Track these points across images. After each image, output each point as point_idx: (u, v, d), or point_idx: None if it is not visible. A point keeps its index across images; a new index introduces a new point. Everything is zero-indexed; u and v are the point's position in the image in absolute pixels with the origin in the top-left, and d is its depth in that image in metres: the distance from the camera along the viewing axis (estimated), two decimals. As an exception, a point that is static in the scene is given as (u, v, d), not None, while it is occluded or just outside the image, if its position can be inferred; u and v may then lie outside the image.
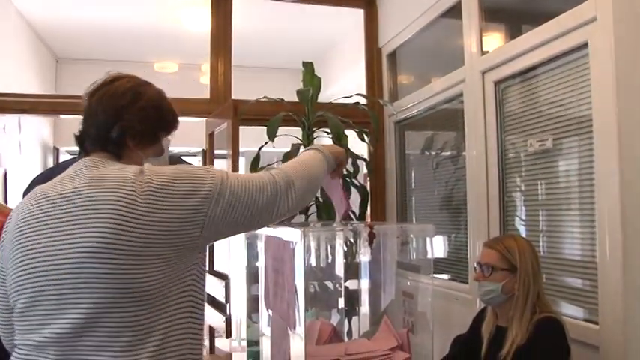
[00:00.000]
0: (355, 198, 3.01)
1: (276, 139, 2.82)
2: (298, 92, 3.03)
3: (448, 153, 3.31)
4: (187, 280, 1.23)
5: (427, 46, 3.61)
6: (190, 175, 1.24)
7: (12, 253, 1.23)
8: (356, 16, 4.23)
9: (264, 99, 3.12)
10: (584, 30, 2.13)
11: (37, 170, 5.56)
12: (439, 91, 3.25)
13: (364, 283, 2.26)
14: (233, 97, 3.80)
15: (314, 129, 3.10)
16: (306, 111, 3.06)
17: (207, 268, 1.35)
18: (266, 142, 2.87)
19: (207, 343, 3.86)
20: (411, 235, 2.17)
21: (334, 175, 1.68)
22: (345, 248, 2.20)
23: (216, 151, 3.97)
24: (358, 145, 3.35)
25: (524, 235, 2.53)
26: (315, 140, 3.14)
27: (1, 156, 4.62)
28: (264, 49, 5.89)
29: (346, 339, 2.16)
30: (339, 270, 2.23)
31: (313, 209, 3.01)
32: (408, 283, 2.16)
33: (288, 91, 3.30)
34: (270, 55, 6.14)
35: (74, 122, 1.44)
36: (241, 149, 3.47)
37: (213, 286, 3.46)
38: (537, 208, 2.51)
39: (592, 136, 2.10)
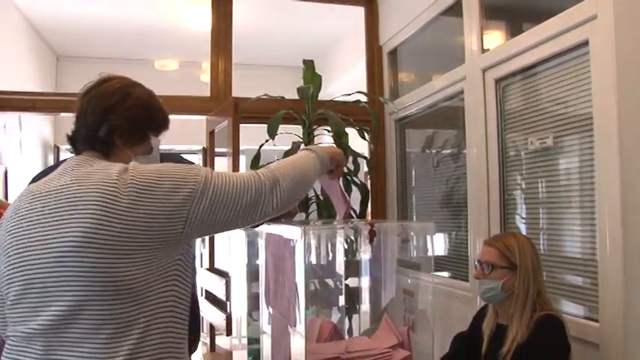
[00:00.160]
0: (356, 196, 3.02)
1: (276, 136, 2.82)
2: (299, 90, 3.03)
3: (449, 151, 3.31)
4: (170, 275, 1.25)
5: (428, 44, 3.61)
6: (174, 172, 1.26)
7: (3, 249, 1.27)
8: (356, 13, 4.22)
9: (265, 97, 3.12)
10: (584, 28, 2.13)
11: (38, 168, 5.56)
12: (440, 88, 3.25)
13: (365, 281, 2.25)
14: (233, 94, 3.80)
15: (314, 127, 3.10)
16: (307, 109, 3.06)
17: (192, 266, 1.35)
18: (267, 140, 2.88)
19: (207, 340, 3.87)
20: (412, 233, 2.16)
21: (333, 176, 1.68)
22: (346, 246, 2.20)
23: (216, 149, 3.97)
24: (359, 143, 3.35)
25: (524, 232, 2.53)
26: (315, 138, 3.14)
27: (2, 154, 4.62)
28: (265, 46, 5.89)
29: (347, 337, 2.16)
30: (340, 268, 2.23)
31: (314, 207, 3.02)
32: (409, 281, 2.16)
33: (288, 88, 3.30)
34: (271, 52, 6.14)
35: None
36: (242, 147, 3.47)
37: (213, 284, 3.47)
38: (538, 206, 2.51)
39: (592, 134, 2.10)
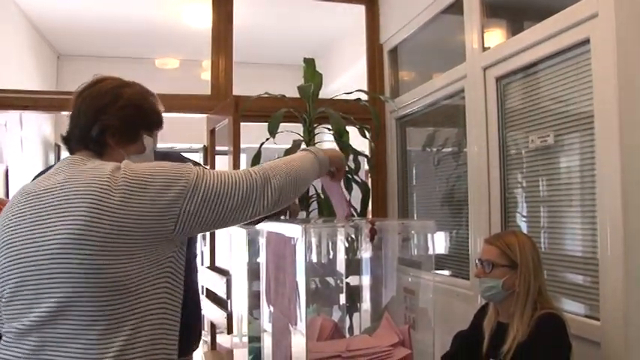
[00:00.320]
0: (356, 194, 3.02)
1: (277, 135, 2.82)
2: (299, 88, 3.02)
3: (449, 149, 3.31)
4: (162, 273, 1.27)
5: (428, 43, 3.60)
6: (166, 170, 1.28)
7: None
8: (357, 12, 4.22)
9: (266, 95, 3.12)
10: (585, 26, 2.12)
11: (39, 167, 5.56)
12: (440, 87, 3.25)
13: (365, 280, 2.25)
14: (234, 93, 3.80)
15: (315, 125, 3.10)
16: (308, 107, 3.06)
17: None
18: (267, 139, 2.87)
19: (208, 339, 3.87)
20: (412, 232, 2.16)
21: (334, 179, 1.68)
22: (347, 244, 2.20)
23: (217, 148, 3.98)
24: (359, 142, 3.35)
25: (525, 231, 2.53)
26: (316, 136, 3.14)
27: (3, 152, 4.62)
28: (266, 45, 5.88)
29: (347, 335, 2.16)
30: (341, 266, 2.23)
31: (315, 205, 3.02)
32: (409, 279, 2.16)
33: (289, 87, 3.30)
34: (272, 51, 6.13)
35: (75, 119, 1.45)
36: (242, 146, 3.47)
37: (214, 282, 3.47)
38: (539, 205, 2.51)
39: (593, 132, 2.10)
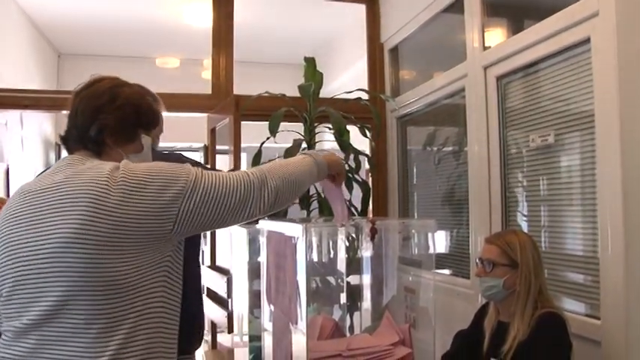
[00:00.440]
0: (357, 193, 3.02)
1: (278, 134, 2.82)
2: (300, 87, 3.02)
3: (450, 148, 3.31)
4: (159, 273, 1.28)
5: (429, 42, 3.60)
6: (165, 171, 1.29)
7: None
8: (358, 11, 4.22)
9: (266, 94, 3.12)
10: (586, 25, 2.12)
11: (39, 166, 5.57)
12: (441, 86, 3.25)
13: (366, 279, 2.25)
14: (235, 92, 3.80)
15: (316, 124, 3.10)
16: (308, 106, 3.06)
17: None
18: (268, 138, 2.87)
19: (209, 338, 3.87)
20: (413, 231, 2.16)
21: (334, 183, 1.69)
22: (347, 244, 2.20)
23: (217, 147, 3.98)
24: (360, 141, 3.35)
25: (526, 230, 2.53)
26: (316, 136, 3.14)
27: (4, 151, 4.63)
28: (266, 44, 5.88)
29: (348, 334, 2.16)
30: (341, 265, 2.23)
31: (315, 205, 3.02)
32: (410, 278, 2.16)
33: (289, 86, 3.30)
34: (272, 50, 6.13)
35: (76, 118, 1.45)
36: (243, 145, 3.47)
37: (215, 282, 3.47)
38: (539, 204, 2.51)
39: (594, 132, 2.10)
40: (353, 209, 2.93)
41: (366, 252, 2.17)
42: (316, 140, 3.16)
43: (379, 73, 4.07)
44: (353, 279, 2.32)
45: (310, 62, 3.12)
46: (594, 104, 2.09)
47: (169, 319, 1.31)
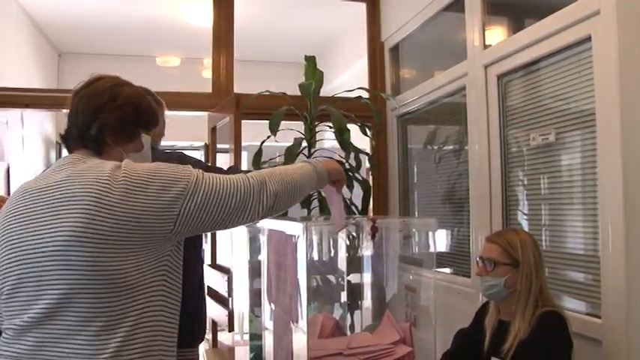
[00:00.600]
0: (357, 192, 3.01)
1: (278, 133, 2.82)
2: (300, 86, 3.02)
3: (450, 147, 3.31)
4: (159, 271, 1.29)
5: (430, 40, 3.60)
6: (166, 171, 1.30)
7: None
8: (358, 9, 4.22)
9: (267, 93, 3.12)
10: (587, 23, 2.12)
11: (40, 165, 5.57)
12: (441, 84, 3.24)
13: (367, 277, 2.26)
14: (235, 91, 3.80)
15: (316, 123, 3.10)
16: (309, 105, 3.05)
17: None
18: (268, 137, 2.87)
19: (209, 337, 3.88)
20: (414, 229, 2.16)
21: (334, 189, 1.70)
22: (348, 242, 2.20)
23: (218, 146, 3.98)
24: (360, 139, 3.34)
25: (526, 229, 2.53)
26: (317, 134, 3.14)
27: (4, 150, 4.63)
28: (267, 43, 5.88)
29: (349, 333, 2.17)
30: (342, 264, 2.23)
31: (316, 203, 3.01)
32: (411, 277, 2.16)
33: (290, 85, 3.30)
34: (273, 49, 6.13)
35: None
36: (244, 143, 3.47)
37: (215, 280, 3.47)
38: (540, 202, 2.51)
39: (595, 130, 2.10)
40: (353, 208, 2.93)
41: (366, 251, 2.17)
42: (317, 139, 3.16)
43: (380, 72, 4.07)
44: (353, 277, 2.32)
45: (311, 61, 3.12)
46: (595, 103, 2.09)
47: (169, 317, 1.33)
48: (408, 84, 3.83)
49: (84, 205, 1.21)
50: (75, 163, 1.33)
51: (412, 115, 3.73)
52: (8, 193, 4.43)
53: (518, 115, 2.62)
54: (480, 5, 2.86)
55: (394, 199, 3.89)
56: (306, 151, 2.98)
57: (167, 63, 6.24)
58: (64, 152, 1.44)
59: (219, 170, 2.22)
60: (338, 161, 2.94)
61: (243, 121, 3.44)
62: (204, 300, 2.38)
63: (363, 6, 4.17)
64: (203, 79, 5.04)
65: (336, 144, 2.97)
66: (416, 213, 3.72)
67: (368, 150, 3.45)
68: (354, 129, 3.09)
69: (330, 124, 2.93)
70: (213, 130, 3.97)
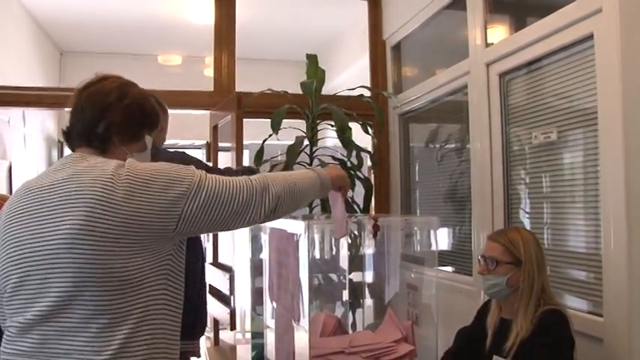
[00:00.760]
0: (359, 190, 3.01)
1: (280, 131, 2.82)
2: (302, 84, 3.02)
3: (452, 145, 3.31)
4: (162, 270, 1.30)
5: (431, 38, 3.60)
6: (170, 171, 1.31)
7: (1, 243, 1.31)
8: (360, 7, 4.22)
9: (268, 91, 3.12)
10: (589, 21, 2.12)
11: (42, 163, 5.57)
12: (443, 83, 3.24)
13: (368, 276, 2.26)
14: (237, 89, 3.80)
15: (318, 121, 3.10)
16: (310, 103, 3.05)
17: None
18: (270, 135, 2.87)
19: (211, 335, 3.88)
20: (415, 228, 2.17)
21: (339, 195, 1.71)
22: (349, 241, 2.20)
23: (220, 144, 3.97)
24: (362, 138, 3.34)
25: (528, 227, 2.52)
26: (319, 133, 3.14)
27: (6, 149, 4.63)
28: (268, 41, 5.88)
29: (350, 331, 2.17)
30: (344, 262, 2.23)
31: (317, 202, 3.02)
32: (412, 275, 2.16)
33: (292, 83, 3.30)
34: (274, 47, 6.13)
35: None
36: (245, 142, 3.47)
37: (217, 279, 3.47)
38: (542, 201, 2.51)
39: (597, 129, 2.09)
40: (355, 206, 2.93)
41: (368, 249, 2.18)
42: (318, 137, 3.16)
43: (381, 70, 4.07)
44: (355, 276, 2.32)
45: (312, 59, 3.11)
46: (597, 101, 2.08)
47: (172, 316, 1.33)
48: (410, 82, 3.83)
49: (87, 203, 1.21)
50: (77, 161, 1.33)
51: (414, 113, 3.73)
52: (10, 192, 4.43)
53: (520, 114, 2.62)
54: (481, 3, 2.85)
55: (396, 198, 3.89)
56: (307, 150, 2.98)
57: (169, 61, 6.24)
58: (66, 151, 1.44)
59: (217, 171, 2.23)
60: (340, 161, 2.96)
61: (244, 120, 3.44)
62: (205, 294, 2.40)
63: (364, 4, 4.16)
64: (205, 78, 5.03)
65: (337, 142, 2.97)
66: (418, 211, 3.72)
67: (370, 148, 3.46)
68: (355, 127, 3.08)
69: (332, 123, 2.93)
70: (214, 129, 3.97)
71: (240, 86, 3.82)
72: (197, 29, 4.96)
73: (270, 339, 2.16)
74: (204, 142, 5.75)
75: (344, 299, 2.29)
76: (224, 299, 3.33)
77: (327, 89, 3.23)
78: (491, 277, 1.97)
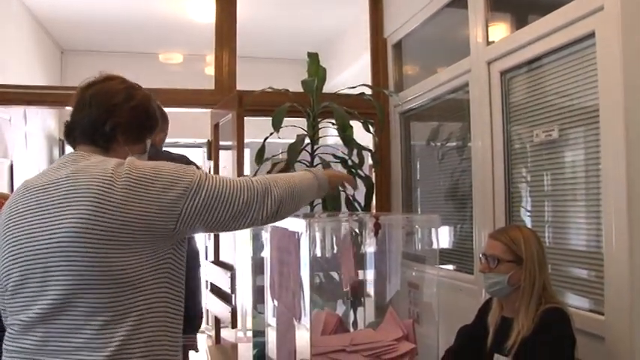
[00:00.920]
0: (360, 189, 3.01)
1: (281, 129, 2.82)
2: (303, 83, 3.02)
3: (453, 143, 3.30)
4: (162, 268, 1.30)
5: (433, 37, 3.59)
6: (169, 170, 1.31)
7: (2, 242, 1.31)
8: (361, 6, 4.21)
9: (269, 90, 3.11)
10: (590, 19, 2.11)
11: (43, 162, 5.58)
12: (444, 81, 3.24)
13: (369, 274, 2.26)
14: (238, 87, 3.80)
15: (319, 120, 3.09)
16: (311, 102, 3.05)
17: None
18: (271, 133, 2.87)
19: (212, 333, 3.88)
20: (417, 226, 2.16)
21: (349, 248, 1.72)
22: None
23: (221, 143, 3.97)
24: (363, 136, 3.34)
25: (529, 225, 2.52)
26: (320, 131, 3.14)
27: (8, 148, 4.63)
28: (269, 39, 5.88)
29: (352, 329, 2.17)
30: (345, 261, 2.23)
31: (318, 200, 3.02)
32: (414, 273, 2.16)
33: (293, 81, 3.29)
34: (275, 45, 6.12)
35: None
36: (246, 140, 3.47)
37: (219, 277, 3.48)
38: (543, 199, 2.50)
39: (598, 127, 2.09)
40: (356, 205, 2.93)
41: (369, 247, 2.17)
42: (319, 135, 3.16)
43: (382, 69, 4.07)
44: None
45: (313, 58, 3.11)
46: (599, 99, 2.08)
47: (173, 314, 1.33)
48: (411, 80, 3.83)
49: (87, 202, 1.21)
50: (78, 160, 1.33)
51: (415, 111, 3.72)
52: (12, 191, 4.43)
53: (521, 112, 2.61)
54: (482, 1, 2.85)
55: (397, 196, 3.89)
56: (308, 148, 2.98)
57: (170, 60, 6.25)
58: (67, 149, 1.44)
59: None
60: (341, 159, 2.96)
61: (245, 118, 3.44)
62: (199, 290, 2.42)
63: (365, 3, 4.16)
64: (206, 76, 5.03)
65: (338, 140, 2.97)
66: (419, 210, 3.72)
67: (371, 146, 3.45)
68: (356, 126, 3.08)
69: (333, 121, 2.93)
70: (215, 127, 3.97)
71: (241, 84, 3.82)
72: (198, 27, 4.96)
73: (271, 337, 2.16)
74: (205, 140, 5.76)
75: (345, 297, 2.30)
76: (225, 297, 3.33)
77: (328, 87, 3.23)
78: (492, 275, 1.97)
